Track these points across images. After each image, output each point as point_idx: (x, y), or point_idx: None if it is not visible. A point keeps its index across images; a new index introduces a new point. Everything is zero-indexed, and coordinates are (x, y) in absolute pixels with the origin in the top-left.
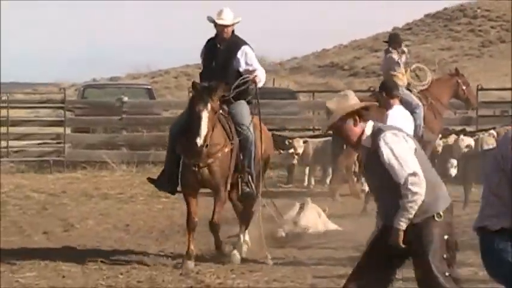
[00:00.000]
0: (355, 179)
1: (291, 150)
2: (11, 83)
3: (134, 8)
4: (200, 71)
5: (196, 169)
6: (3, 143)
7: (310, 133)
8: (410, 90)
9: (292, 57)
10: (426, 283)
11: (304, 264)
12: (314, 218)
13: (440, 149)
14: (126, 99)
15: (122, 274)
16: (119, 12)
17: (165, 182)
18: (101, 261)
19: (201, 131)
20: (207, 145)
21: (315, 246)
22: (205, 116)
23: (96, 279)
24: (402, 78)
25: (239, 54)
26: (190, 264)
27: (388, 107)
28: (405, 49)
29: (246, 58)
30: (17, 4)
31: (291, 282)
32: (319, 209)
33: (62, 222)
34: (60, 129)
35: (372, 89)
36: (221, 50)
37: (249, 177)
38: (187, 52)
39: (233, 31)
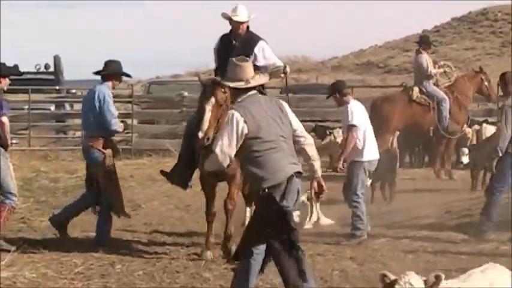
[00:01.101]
0: None
1: (332, 139)
2: (86, 80)
3: (195, 15)
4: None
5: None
6: (78, 133)
7: None
8: (438, 86)
9: (333, 57)
10: None
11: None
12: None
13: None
14: (186, 94)
15: (182, 248)
16: (180, 18)
17: (177, 176)
18: (165, 236)
19: (202, 124)
20: (208, 138)
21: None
22: (208, 109)
23: (160, 251)
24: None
25: (256, 50)
26: (210, 254)
27: (344, 103)
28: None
29: (264, 53)
30: (91, 13)
31: None
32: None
33: (130, 203)
34: (128, 121)
35: (404, 84)
36: (237, 46)
37: None
38: None
39: (248, 27)
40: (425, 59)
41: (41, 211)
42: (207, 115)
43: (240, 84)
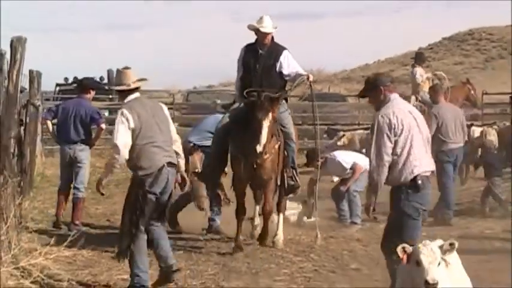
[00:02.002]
0: None
1: (344, 140)
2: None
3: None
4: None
5: (255, 166)
6: None
7: (356, 127)
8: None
9: (343, 70)
10: None
11: None
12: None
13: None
14: (219, 101)
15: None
16: (213, 34)
17: (210, 176)
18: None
19: (261, 139)
20: (265, 152)
21: None
22: (266, 125)
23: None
24: (424, 86)
25: (281, 58)
26: (240, 252)
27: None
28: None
29: (289, 61)
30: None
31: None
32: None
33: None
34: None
35: (401, 94)
36: (263, 55)
37: (293, 171)
38: None
39: (272, 37)
40: (419, 72)
41: (96, 200)
42: (265, 130)
43: (123, 87)
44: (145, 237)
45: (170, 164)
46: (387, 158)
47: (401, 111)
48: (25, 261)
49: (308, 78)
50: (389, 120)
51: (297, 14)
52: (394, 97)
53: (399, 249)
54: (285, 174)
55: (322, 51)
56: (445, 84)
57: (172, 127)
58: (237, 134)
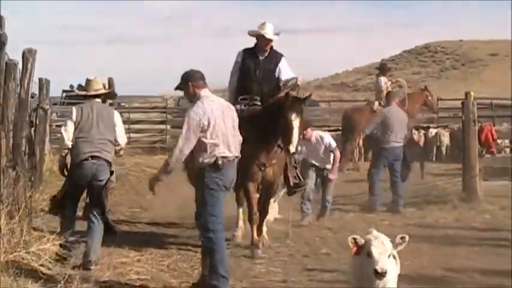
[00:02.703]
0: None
1: None
2: (132, 95)
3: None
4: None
5: (264, 169)
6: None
7: (326, 129)
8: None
9: (315, 79)
10: None
11: None
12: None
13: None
14: None
15: None
16: (199, 48)
17: None
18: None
19: (293, 139)
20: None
21: None
22: (297, 125)
23: None
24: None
25: (280, 64)
26: (259, 252)
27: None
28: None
29: (285, 68)
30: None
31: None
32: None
33: (165, 186)
34: (163, 126)
35: (366, 99)
36: (263, 60)
37: (297, 171)
38: None
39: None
40: (383, 81)
41: None
42: (297, 131)
43: (83, 93)
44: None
45: (96, 157)
46: (186, 152)
47: (209, 107)
48: (35, 246)
49: (297, 80)
50: (199, 118)
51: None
52: (205, 93)
53: (350, 240)
54: (289, 174)
55: (298, 63)
56: (405, 91)
57: (119, 131)
58: (250, 136)
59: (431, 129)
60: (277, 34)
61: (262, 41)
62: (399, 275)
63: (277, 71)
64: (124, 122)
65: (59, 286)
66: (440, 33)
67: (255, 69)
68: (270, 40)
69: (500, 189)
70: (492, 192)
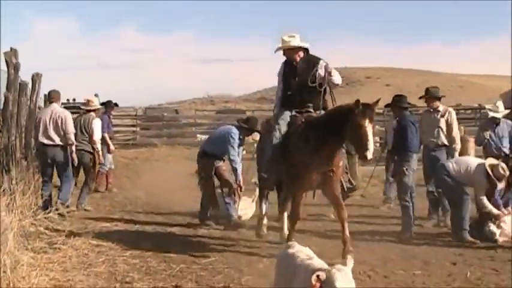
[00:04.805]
0: None
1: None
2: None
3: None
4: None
5: (330, 174)
6: None
7: None
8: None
9: (244, 94)
10: None
11: None
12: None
13: None
14: (166, 114)
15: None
16: (162, 70)
17: (271, 181)
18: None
19: (370, 145)
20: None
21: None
22: (371, 131)
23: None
24: None
25: (319, 67)
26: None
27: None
28: None
29: (324, 69)
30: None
31: None
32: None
33: (135, 172)
34: (134, 128)
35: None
36: (300, 67)
37: (348, 175)
38: None
39: (307, 50)
40: None
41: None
42: (372, 137)
43: (85, 107)
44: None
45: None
46: None
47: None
48: (41, 215)
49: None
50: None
51: (215, 59)
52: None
53: (314, 278)
54: (342, 179)
55: (231, 82)
56: None
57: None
58: (307, 144)
59: None
60: (301, 42)
61: (288, 53)
62: None
63: (317, 74)
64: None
65: (58, 242)
66: (347, 60)
67: (293, 77)
68: (296, 49)
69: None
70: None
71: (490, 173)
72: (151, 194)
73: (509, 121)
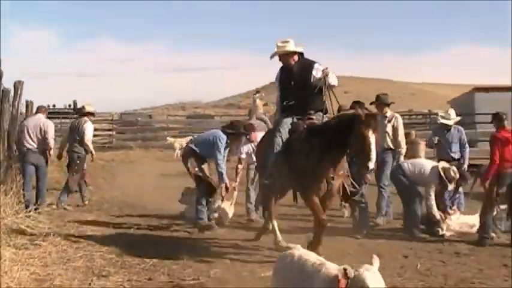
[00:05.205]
0: None
1: None
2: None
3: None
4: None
5: (331, 181)
6: None
7: None
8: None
9: (212, 101)
10: None
11: None
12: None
13: None
14: (139, 119)
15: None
16: (136, 79)
17: (274, 187)
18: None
19: (372, 155)
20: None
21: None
22: (374, 142)
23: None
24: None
25: (313, 70)
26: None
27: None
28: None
29: (319, 72)
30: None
31: None
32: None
33: (110, 174)
34: (110, 132)
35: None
36: (295, 71)
37: (350, 179)
38: None
39: (302, 55)
40: (257, 101)
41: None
42: (374, 147)
43: (81, 112)
44: None
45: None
46: None
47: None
48: (22, 214)
49: (325, 71)
50: None
51: (186, 68)
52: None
53: (340, 271)
54: (345, 184)
55: (202, 90)
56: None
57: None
58: (310, 151)
59: None
60: (295, 47)
61: (283, 58)
62: None
63: (311, 77)
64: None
65: (39, 239)
66: None
67: (290, 81)
68: (290, 53)
69: None
70: None
71: (443, 175)
72: (127, 194)
73: (460, 127)
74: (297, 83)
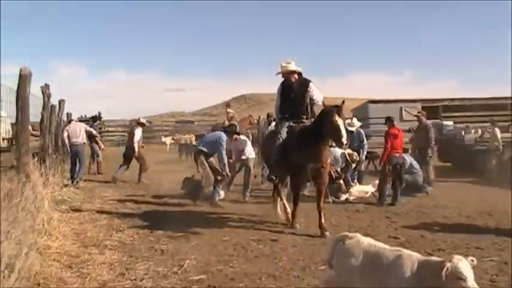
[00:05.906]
0: None
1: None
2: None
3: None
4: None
5: (320, 168)
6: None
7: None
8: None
9: (194, 110)
10: None
11: None
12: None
13: None
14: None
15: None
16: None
17: (280, 178)
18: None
19: (342, 133)
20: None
21: None
22: (342, 123)
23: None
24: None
25: (309, 88)
26: (328, 233)
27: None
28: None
29: (314, 89)
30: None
31: None
32: None
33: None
34: (123, 133)
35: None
36: (295, 86)
37: (334, 167)
38: None
39: (301, 74)
40: (231, 111)
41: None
42: (344, 128)
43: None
44: None
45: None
46: None
47: None
48: (65, 189)
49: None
50: None
51: (176, 87)
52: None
53: (445, 270)
54: (331, 170)
55: (186, 103)
56: (237, 117)
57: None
58: (302, 145)
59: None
60: (296, 68)
61: (286, 75)
62: None
63: (307, 93)
64: None
65: (76, 206)
66: (255, 88)
67: (290, 93)
68: (292, 72)
69: None
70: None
71: (348, 157)
72: (135, 176)
73: (360, 130)
74: (295, 96)
